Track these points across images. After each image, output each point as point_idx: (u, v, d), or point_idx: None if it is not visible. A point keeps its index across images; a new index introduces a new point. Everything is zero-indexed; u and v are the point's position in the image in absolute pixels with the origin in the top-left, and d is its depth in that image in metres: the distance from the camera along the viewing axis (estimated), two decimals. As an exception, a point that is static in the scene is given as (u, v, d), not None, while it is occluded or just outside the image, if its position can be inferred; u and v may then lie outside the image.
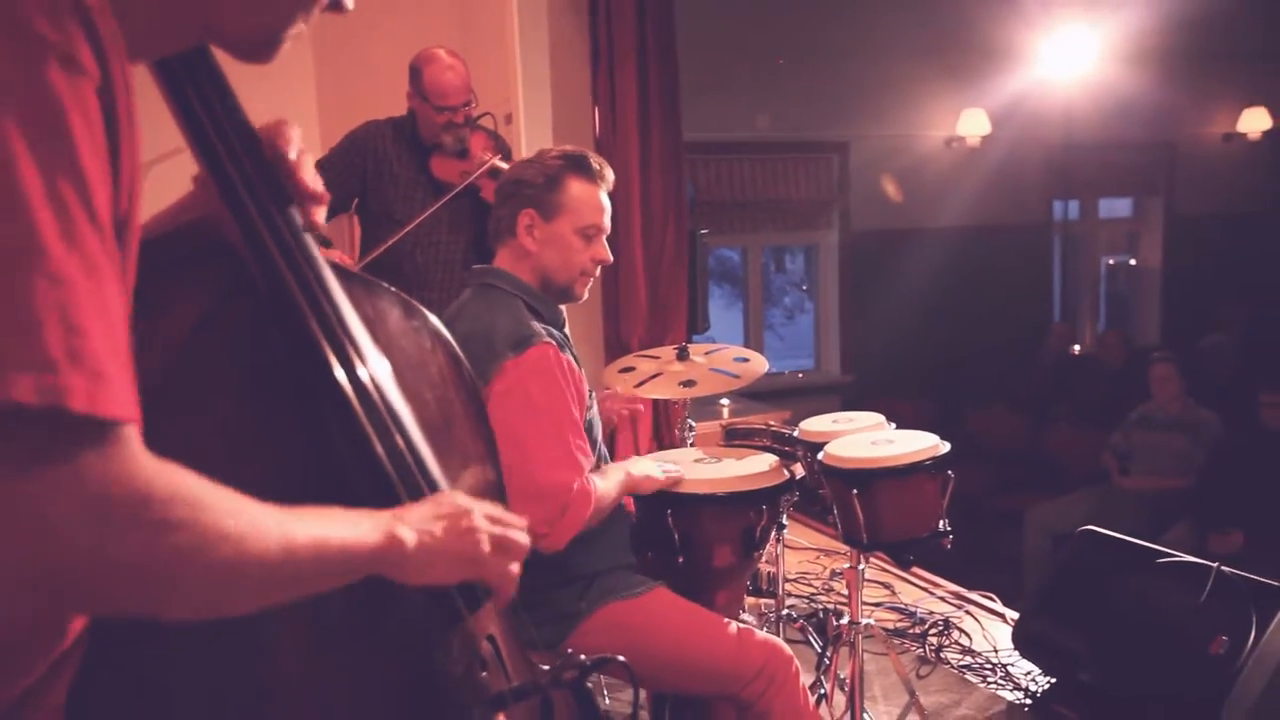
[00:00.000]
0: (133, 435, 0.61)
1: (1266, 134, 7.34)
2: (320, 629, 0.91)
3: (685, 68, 4.01)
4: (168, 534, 0.62)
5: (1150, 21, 6.04)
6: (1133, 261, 8.01)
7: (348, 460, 0.93)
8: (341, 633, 0.94)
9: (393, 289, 1.14)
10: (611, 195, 1.85)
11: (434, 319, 1.19)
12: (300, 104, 3.93)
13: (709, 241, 4.66)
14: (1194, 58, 6.58)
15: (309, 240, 0.94)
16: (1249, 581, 2.32)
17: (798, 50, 6.00)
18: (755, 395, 5.56)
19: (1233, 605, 2.27)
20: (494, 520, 0.94)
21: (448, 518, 0.89)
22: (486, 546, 0.91)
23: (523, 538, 0.97)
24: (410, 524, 0.85)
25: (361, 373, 0.94)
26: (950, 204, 6.65)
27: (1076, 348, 7.12)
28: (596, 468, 1.89)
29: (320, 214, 0.96)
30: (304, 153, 0.94)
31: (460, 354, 1.22)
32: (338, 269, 0.99)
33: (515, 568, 0.97)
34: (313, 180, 0.94)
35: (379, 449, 0.93)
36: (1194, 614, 2.31)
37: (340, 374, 0.92)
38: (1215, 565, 2.37)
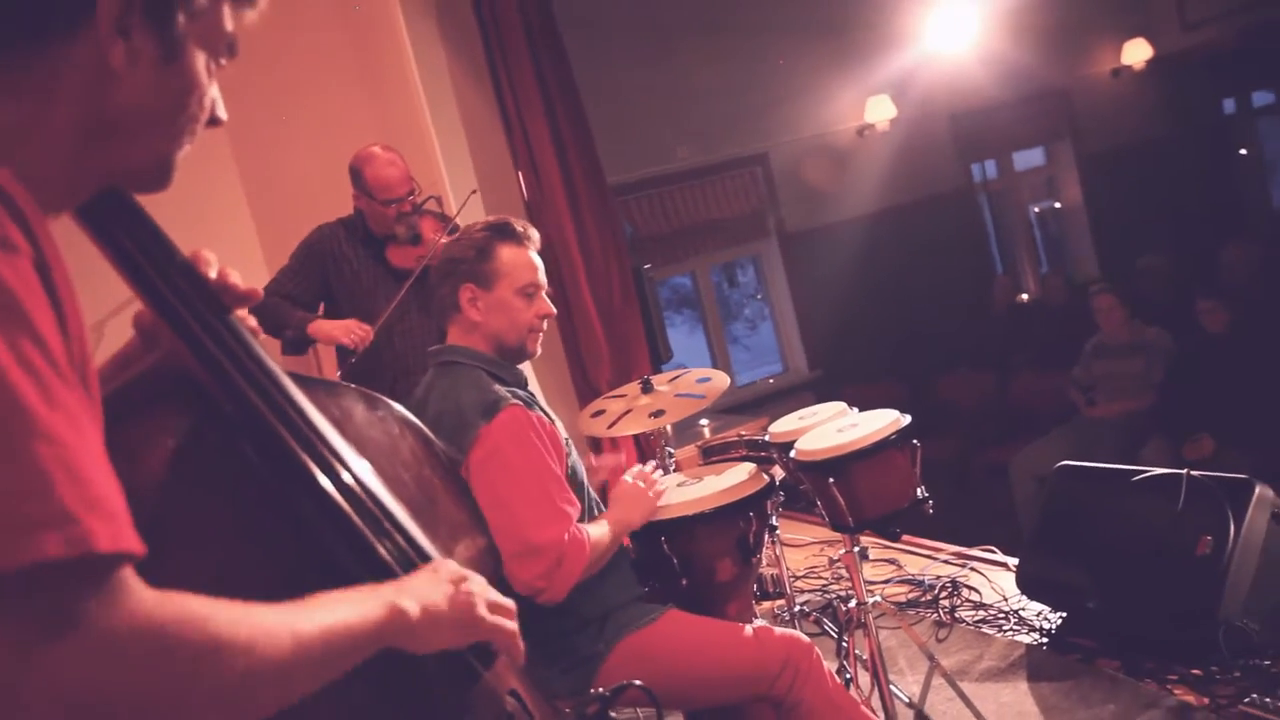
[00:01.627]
0: (131, 572, 0.64)
1: (1150, 62, 7.58)
2: (348, 711, 0.93)
3: (600, 116, 4.13)
4: (185, 656, 0.64)
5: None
6: (1057, 205, 8.19)
7: (348, 561, 0.95)
8: (369, 712, 0.97)
9: (352, 385, 1.18)
10: (553, 249, 1.91)
11: (397, 406, 1.23)
12: (235, 224, 3.98)
13: (655, 274, 4.75)
14: (1071, 2, 6.81)
15: (263, 354, 0.96)
16: (1219, 480, 2.39)
17: (699, 77, 6.15)
18: (733, 409, 5.62)
19: (1209, 506, 2.34)
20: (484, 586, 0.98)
21: (447, 583, 0.93)
22: (484, 609, 0.95)
23: (508, 600, 1.01)
24: (412, 595, 0.88)
25: (346, 477, 0.96)
26: (876, 188, 6.79)
27: (1024, 296, 7.26)
28: (588, 514, 1.92)
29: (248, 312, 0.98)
30: (220, 265, 0.96)
31: (429, 433, 1.25)
32: (297, 377, 1.02)
33: (513, 625, 1.00)
34: (241, 280, 0.96)
35: (378, 547, 0.96)
36: (1175, 522, 2.38)
37: (326, 482, 0.94)
38: (1185, 472, 2.44)
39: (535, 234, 1.96)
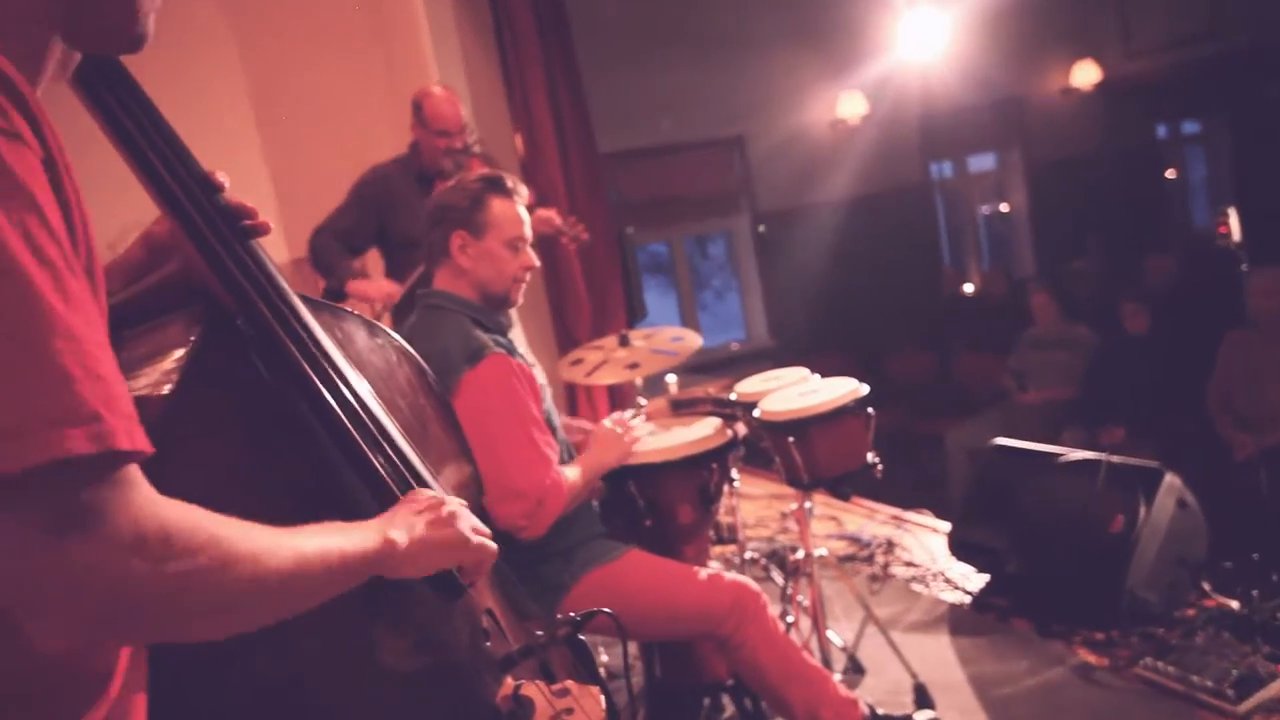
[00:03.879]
0: (140, 472, 0.61)
1: (1096, 85, 7.56)
2: (341, 614, 0.90)
3: (592, 85, 4.01)
4: (194, 558, 0.61)
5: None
6: (1003, 207, 8.20)
7: (347, 472, 0.93)
8: (359, 615, 0.94)
9: (355, 313, 1.13)
10: (544, 206, 1.87)
11: (396, 336, 1.19)
12: (249, 169, 3.84)
13: (636, 239, 4.66)
14: (1029, 20, 6.76)
15: (276, 273, 0.93)
16: (1134, 466, 2.41)
17: (688, 64, 6.03)
18: (697, 369, 5.58)
19: (1123, 489, 2.36)
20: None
21: (428, 511, 0.90)
22: (465, 528, 0.93)
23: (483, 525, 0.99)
24: (399, 526, 0.86)
25: (347, 393, 0.94)
26: (842, 178, 6.75)
27: (968, 286, 7.29)
28: (563, 457, 1.88)
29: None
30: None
31: (424, 364, 1.23)
32: (305, 299, 0.98)
33: (494, 545, 0.98)
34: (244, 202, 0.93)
35: (374, 460, 0.94)
36: (1093, 501, 2.40)
37: (329, 397, 0.92)
38: (1105, 457, 2.46)
39: (524, 190, 1.89)
